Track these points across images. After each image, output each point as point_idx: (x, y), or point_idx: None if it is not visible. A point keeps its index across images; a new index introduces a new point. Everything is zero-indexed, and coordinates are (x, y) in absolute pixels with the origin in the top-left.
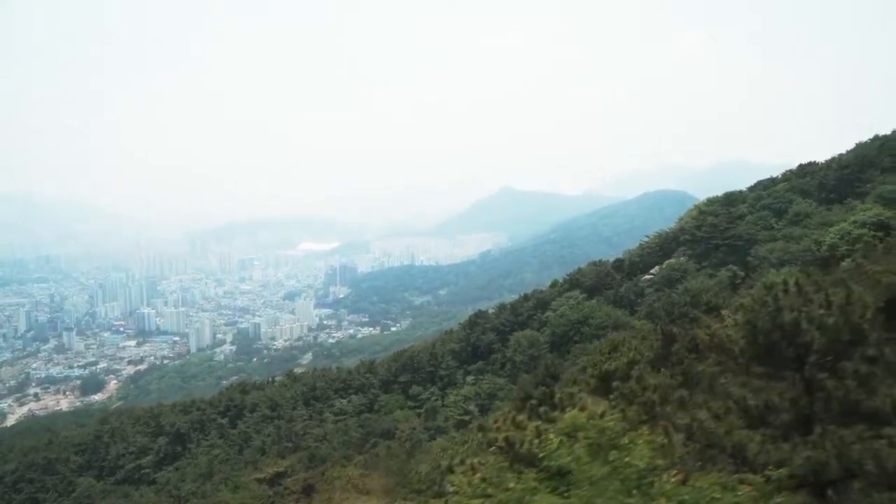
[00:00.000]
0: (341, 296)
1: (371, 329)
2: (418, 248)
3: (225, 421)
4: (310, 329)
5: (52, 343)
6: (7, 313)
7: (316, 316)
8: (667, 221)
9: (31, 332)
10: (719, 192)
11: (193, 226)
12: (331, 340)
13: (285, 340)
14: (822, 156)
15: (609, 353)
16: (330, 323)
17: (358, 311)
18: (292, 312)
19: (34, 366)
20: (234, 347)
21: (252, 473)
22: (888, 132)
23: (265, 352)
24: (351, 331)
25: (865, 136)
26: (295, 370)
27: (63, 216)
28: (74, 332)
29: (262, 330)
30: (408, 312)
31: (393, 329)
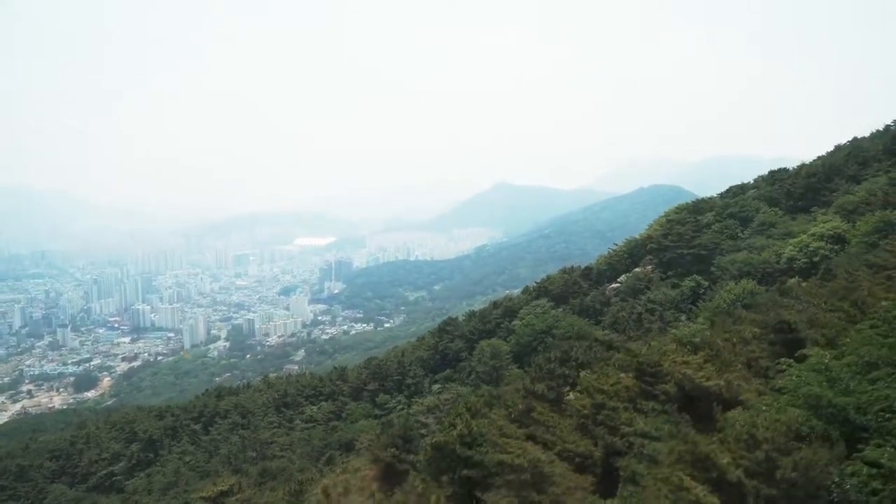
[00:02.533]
0: (336, 291)
1: (365, 325)
2: (414, 242)
3: (198, 427)
4: (304, 325)
5: (47, 339)
6: (2, 309)
7: (310, 312)
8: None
9: (26, 329)
10: (713, 187)
11: (190, 221)
12: (324, 337)
13: (279, 336)
14: (816, 152)
15: (455, 418)
16: (324, 319)
17: (352, 307)
18: (287, 308)
19: (28, 362)
20: (227, 344)
21: (207, 487)
22: (878, 130)
23: (259, 348)
24: (345, 327)
25: (862, 133)
26: (287, 367)
27: (60, 211)
28: (69, 329)
29: (257, 326)
30: (402, 308)
31: (386, 325)
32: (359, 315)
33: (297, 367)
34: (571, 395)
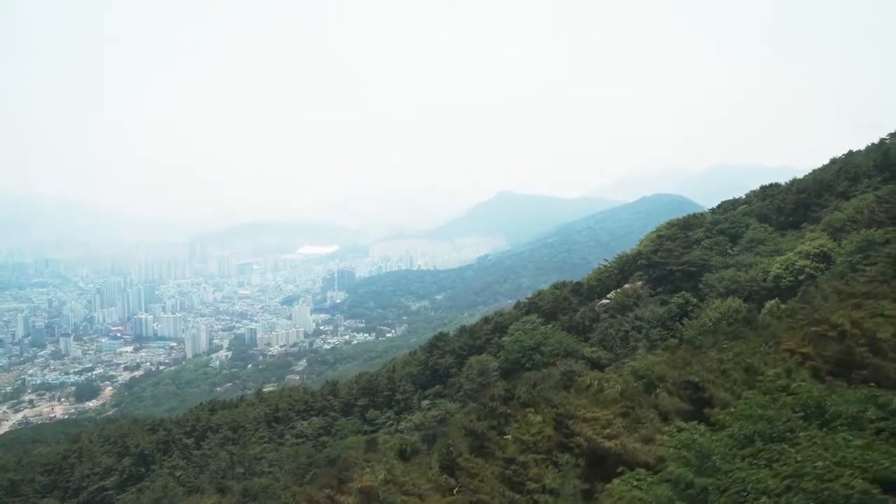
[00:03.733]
0: (339, 301)
1: (366, 335)
2: (416, 251)
3: (190, 441)
4: (306, 335)
5: (49, 349)
6: (5, 318)
7: (313, 321)
8: None
9: (29, 338)
10: (717, 197)
11: (194, 229)
12: (326, 346)
13: (281, 346)
14: (821, 161)
15: (382, 461)
16: (326, 328)
17: (355, 317)
18: (289, 318)
19: (30, 372)
20: (229, 353)
21: None
22: (873, 143)
23: (260, 358)
24: (346, 337)
25: (864, 138)
26: (288, 377)
27: (64, 218)
28: (72, 338)
29: (259, 336)
30: (404, 318)
31: (388, 335)
32: (361, 325)
33: (298, 378)
34: (510, 437)
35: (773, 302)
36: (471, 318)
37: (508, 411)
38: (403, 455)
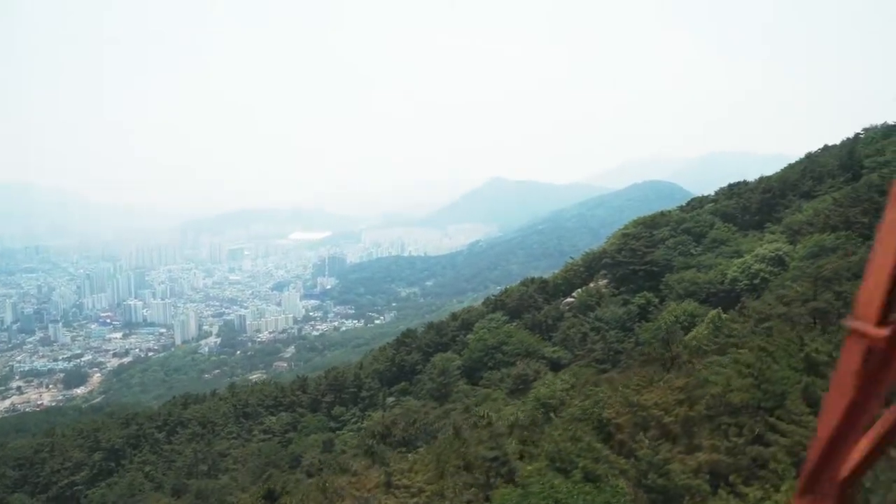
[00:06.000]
0: (329, 287)
1: (356, 321)
2: (408, 238)
3: (162, 436)
4: (295, 321)
5: (38, 335)
6: None
7: (302, 307)
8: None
9: (17, 324)
10: (709, 184)
11: (186, 217)
12: (315, 333)
13: (270, 333)
14: (809, 146)
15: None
16: (316, 315)
17: (344, 303)
18: (279, 304)
19: (18, 358)
20: (218, 340)
21: None
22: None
23: (249, 344)
24: (336, 323)
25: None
26: (276, 364)
27: (58, 207)
28: (61, 324)
29: (248, 322)
30: (394, 304)
31: (377, 322)
32: (350, 311)
33: (286, 365)
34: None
35: (714, 312)
36: (459, 304)
37: (385, 450)
38: (271, 496)
